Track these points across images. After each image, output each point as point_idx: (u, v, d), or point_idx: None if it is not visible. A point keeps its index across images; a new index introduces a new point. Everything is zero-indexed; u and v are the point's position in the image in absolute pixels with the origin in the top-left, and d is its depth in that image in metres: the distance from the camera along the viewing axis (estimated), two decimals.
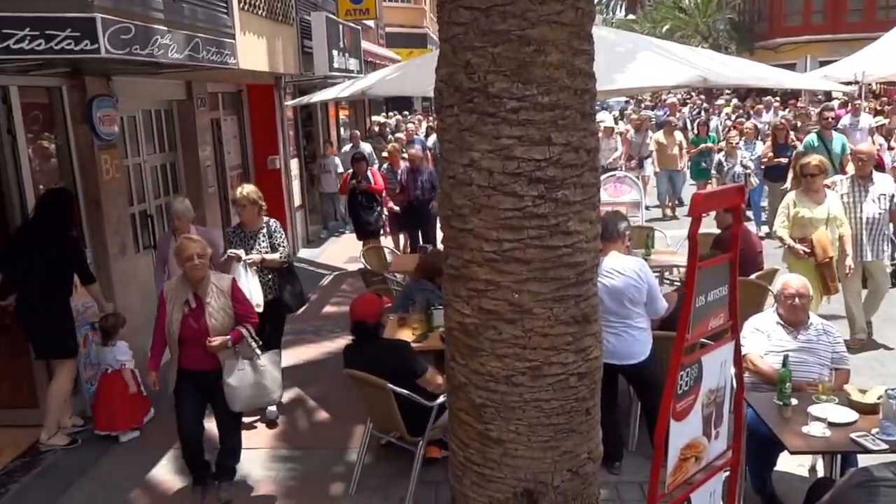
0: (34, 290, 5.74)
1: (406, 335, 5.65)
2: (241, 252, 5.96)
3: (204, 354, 4.80)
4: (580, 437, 3.17)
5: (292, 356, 7.60)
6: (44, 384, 6.16)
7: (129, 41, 5.24)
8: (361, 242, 10.84)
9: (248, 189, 6.24)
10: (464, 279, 3.06)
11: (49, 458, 5.77)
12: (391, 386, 4.66)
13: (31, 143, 6.27)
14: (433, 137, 15.90)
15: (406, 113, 24.44)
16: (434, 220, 10.28)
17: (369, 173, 10.86)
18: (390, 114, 22.73)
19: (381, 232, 11.48)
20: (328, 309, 9.63)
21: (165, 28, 5.82)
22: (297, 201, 13.27)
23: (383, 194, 10.84)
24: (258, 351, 4.94)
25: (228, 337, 4.82)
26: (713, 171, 12.75)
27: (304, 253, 12.98)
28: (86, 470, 5.62)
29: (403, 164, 10.93)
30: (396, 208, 10.82)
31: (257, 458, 5.67)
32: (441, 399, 4.63)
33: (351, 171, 11.15)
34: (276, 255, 6.15)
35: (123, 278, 7.08)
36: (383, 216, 11.20)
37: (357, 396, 5.28)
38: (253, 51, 9.20)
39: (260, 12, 9.59)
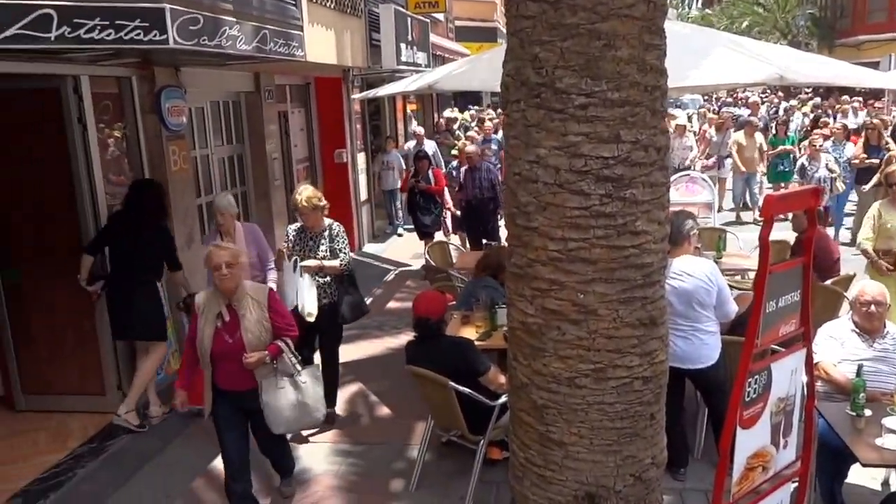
0: (129, 276, 5.98)
1: (469, 333, 5.62)
2: (291, 252, 5.84)
3: (241, 372, 4.38)
4: (644, 442, 3.10)
5: (355, 351, 7.66)
6: (112, 372, 6.37)
7: (197, 32, 5.26)
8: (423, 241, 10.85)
9: (306, 194, 5.86)
10: (528, 278, 3.02)
11: (116, 444, 5.92)
12: (453, 384, 4.64)
13: (101, 133, 6.39)
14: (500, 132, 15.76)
15: (477, 107, 24.27)
16: (495, 219, 10.18)
17: (430, 173, 10.75)
18: (454, 108, 22.58)
19: (444, 233, 11.33)
20: (392, 304, 9.69)
21: (234, 19, 5.83)
22: (363, 196, 13.32)
23: (445, 195, 10.76)
24: (298, 367, 4.55)
25: (266, 353, 4.39)
26: (796, 175, 12.21)
27: (369, 248, 13.08)
28: (152, 457, 5.75)
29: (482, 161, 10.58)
30: (458, 212, 10.68)
31: (320, 451, 5.74)
32: (503, 399, 4.59)
33: (413, 169, 11.13)
34: (335, 263, 5.86)
35: (190, 269, 7.17)
36: (442, 218, 11.05)
37: (419, 393, 5.28)
38: (321, 43, 9.25)
39: (328, 4, 9.64)
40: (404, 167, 13.43)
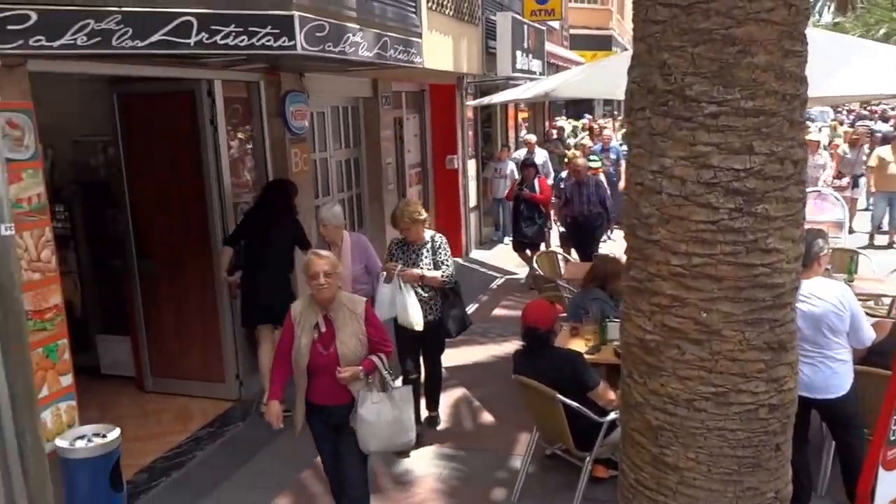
0: (267, 267, 6.27)
1: (578, 346, 5.48)
2: (397, 265, 5.69)
3: (333, 386, 4.18)
4: (767, 474, 2.91)
5: (459, 356, 7.62)
6: (231, 362, 6.68)
7: (322, 39, 5.40)
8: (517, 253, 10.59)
9: (405, 209, 5.74)
10: (647, 293, 2.88)
11: (232, 431, 6.19)
12: (561, 397, 4.53)
13: (230, 135, 6.72)
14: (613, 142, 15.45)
15: (589, 116, 23.95)
16: (601, 235, 9.90)
17: (536, 182, 10.41)
18: (567, 119, 22.29)
19: (545, 247, 10.87)
20: (497, 311, 9.62)
21: (357, 26, 5.96)
22: (472, 202, 13.31)
23: (551, 208, 10.51)
24: (392, 383, 4.30)
25: (360, 368, 4.17)
26: None
27: (475, 254, 13.08)
28: (265, 445, 5.89)
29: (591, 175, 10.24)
30: (563, 229, 10.39)
31: (424, 454, 5.74)
32: (612, 416, 4.45)
33: (520, 177, 10.95)
34: (437, 273, 5.72)
35: None
36: (546, 229, 10.71)
37: (523, 403, 5.18)
38: (438, 50, 9.29)
39: (447, 11, 9.68)
40: (517, 176, 13.21)
